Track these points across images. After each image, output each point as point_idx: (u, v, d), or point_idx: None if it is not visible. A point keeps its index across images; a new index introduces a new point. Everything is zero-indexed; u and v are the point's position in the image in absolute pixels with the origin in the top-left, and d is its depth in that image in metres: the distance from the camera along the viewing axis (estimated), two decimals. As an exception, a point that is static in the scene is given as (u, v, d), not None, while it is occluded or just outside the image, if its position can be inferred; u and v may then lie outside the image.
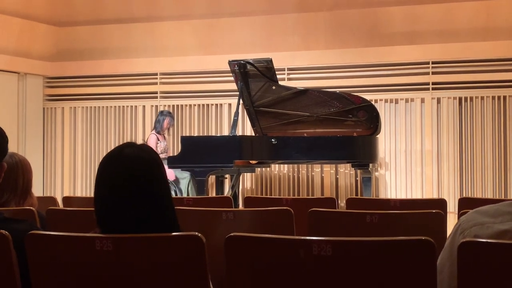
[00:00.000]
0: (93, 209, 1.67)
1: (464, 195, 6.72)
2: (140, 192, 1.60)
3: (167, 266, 1.57)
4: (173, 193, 6.51)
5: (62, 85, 8.32)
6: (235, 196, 6.32)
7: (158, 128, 6.89)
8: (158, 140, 6.86)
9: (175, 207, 2.73)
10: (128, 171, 1.61)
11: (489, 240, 1.29)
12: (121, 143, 1.73)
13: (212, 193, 6.80)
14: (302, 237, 1.45)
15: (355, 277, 1.42)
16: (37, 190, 7.60)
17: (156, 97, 7.96)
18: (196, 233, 1.55)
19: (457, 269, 1.30)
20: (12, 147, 2.06)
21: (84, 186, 8.12)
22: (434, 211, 2.39)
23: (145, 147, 1.70)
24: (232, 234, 1.52)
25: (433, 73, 7.05)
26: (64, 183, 8.22)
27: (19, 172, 2.54)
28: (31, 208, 2.49)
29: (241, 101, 6.01)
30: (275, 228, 2.42)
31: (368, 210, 2.35)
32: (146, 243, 1.59)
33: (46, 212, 2.68)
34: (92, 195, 1.69)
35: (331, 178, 7.31)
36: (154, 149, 7.57)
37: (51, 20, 8.20)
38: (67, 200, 3.54)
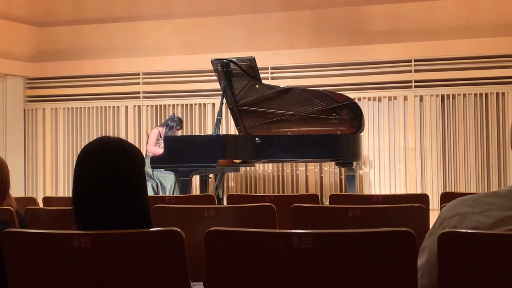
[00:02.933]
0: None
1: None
2: (125, 186, 1.57)
3: (147, 262, 1.55)
4: (150, 187, 6.46)
5: (43, 86, 8.22)
6: (219, 196, 6.29)
7: (167, 133, 6.74)
8: (160, 136, 6.74)
9: (158, 205, 2.71)
10: (111, 163, 1.57)
11: (468, 231, 1.29)
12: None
13: (197, 193, 6.76)
14: (282, 230, 1.44)
15: (336, 269, 1.42)
16: (18, 191, 7.54)
17: (139, 97, 7.90)
18: (175, 228, 1.53)
19: (438, 260, 1.30)
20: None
21: (66, 187, 8.03)
22: (416, 205, 2.39)
23: (124, 140, 1.67)
24: (212, 228, 1.50)
25: (416, 71, 7.09)
26: (46, 184, 8.13)
27: (-4, 173, 2.49)
28: (10, 208, 2.44)
29: (224, 100, 5.98)
30: (257, 224, 2.41)
31: (351, 205, 2.34)
32: (124, 239, 1.56)
33: (24, 211, 2.64)
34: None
35: (316, 177, 7.32)
36: (154, 142, 7.28)
37: (32, 20, 8.10)
38: (47, 200, 3.49)
